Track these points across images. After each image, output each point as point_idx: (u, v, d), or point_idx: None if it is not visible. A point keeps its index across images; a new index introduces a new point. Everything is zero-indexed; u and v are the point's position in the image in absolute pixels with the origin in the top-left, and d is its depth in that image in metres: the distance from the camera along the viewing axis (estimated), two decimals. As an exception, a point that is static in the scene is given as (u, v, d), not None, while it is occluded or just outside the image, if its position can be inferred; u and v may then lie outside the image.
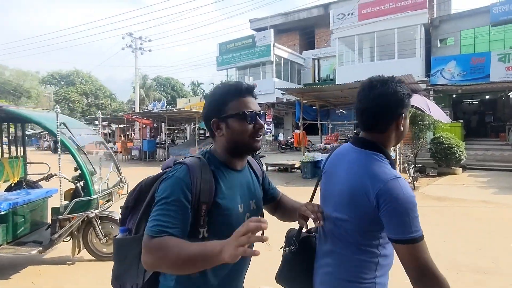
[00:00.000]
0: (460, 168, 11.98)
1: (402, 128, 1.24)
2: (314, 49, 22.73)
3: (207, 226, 1.10)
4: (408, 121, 1.27)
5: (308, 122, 12.35)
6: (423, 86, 14.51)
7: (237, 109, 1.14)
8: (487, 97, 22.00)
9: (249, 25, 24.27)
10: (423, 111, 9.22)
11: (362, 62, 17.80)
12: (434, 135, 12.25)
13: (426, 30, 17.60)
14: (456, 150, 11.41)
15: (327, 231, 1.27)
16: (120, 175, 4.26)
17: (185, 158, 1.18)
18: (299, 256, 1.36)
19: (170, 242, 0.98)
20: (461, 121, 16.30)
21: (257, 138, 1.18)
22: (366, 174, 1.13)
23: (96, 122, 26.96)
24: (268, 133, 21.35)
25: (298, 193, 9.35)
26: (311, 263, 1.35)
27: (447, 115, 16.34)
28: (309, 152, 10.98)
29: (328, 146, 10.86)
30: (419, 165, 12.94)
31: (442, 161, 11.79)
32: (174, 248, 0.96)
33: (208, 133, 1.40)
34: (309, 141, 17.28)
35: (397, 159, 11.40)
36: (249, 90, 1.20)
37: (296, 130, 13.24)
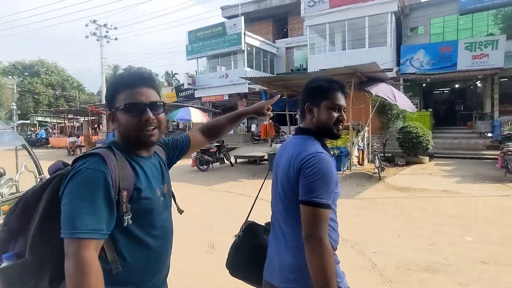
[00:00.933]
0: (427, 157, 12.02)
1: (314, 115, 1.40)
2: (288, 37, 22.31)
3: (130, 213, 1.06)
4: (326, 112, 1.38)
5: (276, 112, 12.02)
6: (391, 74, 14.46)
7: (122, 101, 1.11)
8: (456, 86, 22.37)
9: (220, 13, 23.53)
10: (388, 100, 9.05)
11: (334, 51, 17.58)
12: (403, 124, 12.20)
13: (397, 18, 17.50)
14: (423, 139, 11.40)
15: (276, 214, 1.41)
16: (40, 174, 3.75)
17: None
18: (244, 242, 1.55)
19: (94, 270, 0.93)
20: (430, 110, 16.43)
21: (147, 132, 1.13)
22: (296, 152, 1.31)
23: (63, 115, 25.71)
24: (241, 125, 20.95)
25: (264, 186, 8.96)
26: (256, 250, 1.51)
27: (416, 104, 16.45)
28: (277, 143, 10.68)
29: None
30: (388, 154, 12.93)
31: (410, 150, 11.77)
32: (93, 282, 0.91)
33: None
34: (283, 131, 17.04)
35: (365, 149, 11.29)
36: (139, 80, 1.14)
37: (264, 121, 12.93)
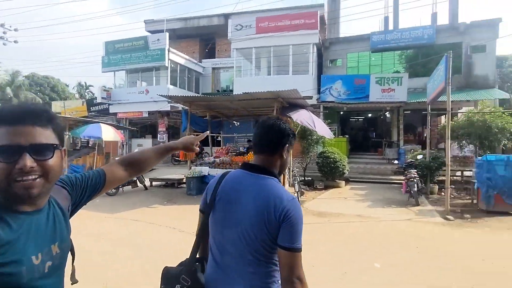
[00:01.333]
0: (344, 181, 12.55)
1: (285, 157, 1.47)
2: (215, 58, 22.23)
3: None
4: (288, 157, 1.48)
5: (197, 133, 11.53)
6: (312, 101, 15.13)
7: None
8: (369, 115, 24.58)
9: (143, 26, 22.56)
10: (308, 127, 9.21)
11: (259, 75, 17.90)
12: (323, 149, 12.63)
13: (318, 50, 18.67)
14: (340, 164, 11.90)
15: (235, 256, 1.36)
16: None
17: None
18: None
19: None
20: (347, 136, 17.49)
21: (22, 183, 0.87)
22: (274, 197, 1.32)
23: None
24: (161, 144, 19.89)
25: (178, 212, 8.36)
26: None
27: (334, 131, 17.44)
28: (197, 165, 10.09)
29: (217, 160, 10.12)
30: (308, 178, 13.22)
31: (328, 174, 12.17)
32: None
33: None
34: (206, 152, 16.48)
35: (286, 173, 11.29)
36: (20, 116, 0.89)
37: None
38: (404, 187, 9.04)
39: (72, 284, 1.15)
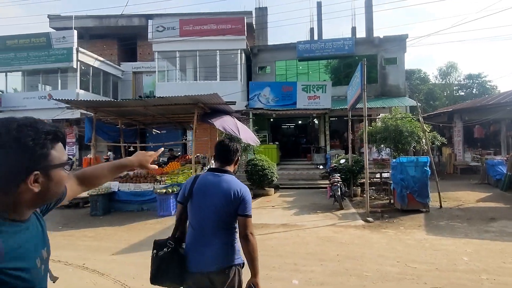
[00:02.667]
0: (273, 189, 12.43)
1: (237, 164, 2.42)
2: (137, 61, 20.89)
3: None
4: (238, 163, 2.51)
5: (109, 144, 10.45)
6: (240, 108, 14.91)
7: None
8: (299, 122, 25.32)
9: (48, 22, 20.24)
10: (232, 133, 8.85)
11: (185, 80, 17.21)
12: (251, 157, 12.38)
13: (247, 56, 18.65)
14: (268, 172, 11.75)
15: (210, 225, 2.10)
16: None
17: None
18: (177, 252, 2.10)
19: None
20: (277, 143, 17.64)
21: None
22: (235, 185, 2.13)
23: None
24: (71, 157, 17.94)
25: (74, 238, 6.68)
26: (182, 258, 2.11)
27: (264, 138, 17.45)
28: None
29: (130, 173, 9.13)
30: (239, 187, 12.86)
31: (257, 182, 11.93)
32: None
33: None
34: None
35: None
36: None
37: (88, 154, 10.99)
38: (328, 192, 9.14)
39: (53, 282, 1.18)
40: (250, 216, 2.11)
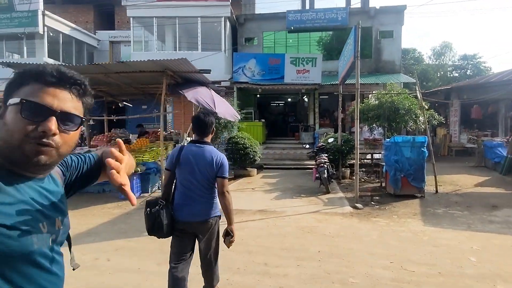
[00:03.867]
0: (256, 169, 11.48)
1: (212, 134, 2.84)
2: (114, 30, 19.25)
3: None
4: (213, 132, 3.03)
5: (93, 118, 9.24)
6: (224, 82, 13.69)
7: (21, 95, 0.81)
8: (289, 99, 24.19)
9: None
10: (206, 107, 7.73)
11: (164, 50, 15.81)
12: (231, 134, 11.32)
13: (232, 26, 17.22)
14: (250, 151, 10.75)
15: (197, 185, 2.61)
16: None
17: None
18: (167, 208, 2.60)
19: None
20: (263, 120, 16.57)
21: (32, 146, 0.80)
22: (215, 154, 2.65)
23: None
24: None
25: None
26: (171, 212, 2.64)
27: (250, 115, 16.35)
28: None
29: (94, 150, 8.02)
30: (219, 166, 11.87)
31: (238, 162, 10.95)
32: None
33: None
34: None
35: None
36: (60, 78, 0.86)
37: None
38: (314, 174, 8.21)
39: (73, 269, 1.07)
40: (227, 178, 2.68)
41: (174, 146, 9.33)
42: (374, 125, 10.74)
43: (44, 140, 0.80)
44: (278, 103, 26.25)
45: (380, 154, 10.85)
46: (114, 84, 8.41)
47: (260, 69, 14.46)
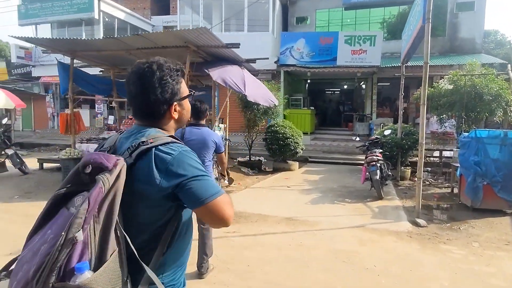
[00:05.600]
0: (297, 163, 10.08)
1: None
2: (169, 15, 18.86)
3: None
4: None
5: (102, 99, 8.69)
6: (268, 65, 12.30)
7: (186, 90, 1.24)
8: (345, 86, 22.04)
9: None
10: (234, 88, 6.53)
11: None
12: (272, 122, 10.01)
13: (283, 5, 15.69)
14: (291, 142, 9.36)
15: (201, 158, 3.22)
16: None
17: (148, 143, 1.05)
18: None
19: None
20: (312, 108, 14.95)
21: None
22: (211, 134, 3.28)
23: None
24: (99, 115, 16.83)
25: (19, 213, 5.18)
26: None
27: (299, 102, 14.82)
28: (83, 143, 7.31)
29: (114, 134, 7.34)
30: (257, 158, 10.70)
31: (277, 154, 9.65)
32: None
33: None
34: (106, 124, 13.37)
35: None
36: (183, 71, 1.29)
37: (66, 109, 9.39)
38: (363, 174, 6.60)
39: None
40: (223, 152, 3.44)
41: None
42: (444, 115, 8.61)
43: None
44: (333, 91, 24.15)
45: (452, 152, 8.74)
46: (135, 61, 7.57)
47: (310, 50, 12.83)
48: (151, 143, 1.03)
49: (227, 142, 8.80)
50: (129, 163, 1.00)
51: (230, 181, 7.64)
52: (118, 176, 0.95)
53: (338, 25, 15.78)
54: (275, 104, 7.84)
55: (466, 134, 6.20)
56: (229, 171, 7.98)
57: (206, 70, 6.62)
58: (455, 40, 13.88)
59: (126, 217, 1.00)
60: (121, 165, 0.97)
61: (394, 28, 15.08)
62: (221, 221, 1.07)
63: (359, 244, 4.19)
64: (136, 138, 1.08)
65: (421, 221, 4.97)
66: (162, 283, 1.03)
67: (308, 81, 16.76)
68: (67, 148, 6.82)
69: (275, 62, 13.32)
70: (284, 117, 13.90)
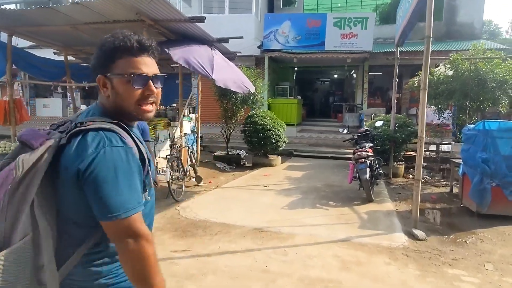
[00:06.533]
0: (279, 157, 9.11)
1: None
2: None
3: (147, 190, 1.06)
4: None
5: (53, 83, 7.53)
6: (249, 50, 11.12)
7: (123, 69, 1.02)
8: (335, 76, 21.08)
9: None
10: (199, 71, 5.48)
11: (189, 14, 13.67)
12: (251, 112, 8.97)
13: (267, -14, 14.54)
14: (272, 134, 8.36)
15: None
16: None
17: (84, 125, 0.97)
18: None
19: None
20: (299, 97, 13.94)
21: (146, 107, 1.07)
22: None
23: None
24: (71, 105, 15.58)
25: None
26: None
27: (285, 91, 13.79)
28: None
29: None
30: (235, 151, 9.70)
31: (257, 148, 8.66)
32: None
33: None
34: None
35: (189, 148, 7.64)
36: (143, 48, 1.06)
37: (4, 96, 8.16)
38: (350, 173, 5.64)
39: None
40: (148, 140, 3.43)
41: (168, 125, 7.27)
42: (441, 105, 7.68)
43: (150, 99, 1.06)
44: (323, 81, 23.17)
45: (450, 146, 7.86)
46: (85, 39, 6.42)
47: (296, 34, 11.75)
48: (88, 125, 0.96)
49: (196, 136, 7.77)
50: (62, 143, 0.95)
51: (198, 179, 6.65)
52: (41, 157, 0.92)
53: (327, 10, 14.72)
54: (250, 91, 6.76)
55: (471, 126, 5.27)
56: (196, 168, 7.01)
57: (166, 50, 5.52)
58: (453, 25, 12.95)
59: (58, 202, 0.97)
60: (47, 145, 0.94)
61: (387, 12, 14.07)
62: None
63: (341, 268, 3.23)
64: (81, 117, 1.05)
65: (419, 233, 4.04)
66: (101, 272, 0.98)
67: (296, 68, 15.71)
68: (2, 142, 5.72)
69: (259, 47, 12.22)
70: (269, 107, 12.91)
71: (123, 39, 1.01)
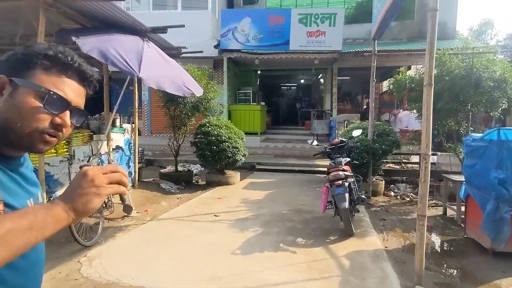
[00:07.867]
0: (239, 173, 7.66)
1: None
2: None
3: None
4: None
5: None
6: (205, 51, 9.62)
7: (43, 82, 0.77)
8: (302, 81, 20.13)
9: None
10: (120, 67, 3.92)
11: (137, 9, 12.01)
12: (203, 121, 7.45)
13: (227, -19, 13.20)
14: (228, 146, 6.90)
15: None
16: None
17: None
18: None
19: None
20: (263, 103, 12.63)
21: (46, 138, 0.79)
22: None
23: None
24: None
25: None
26: None
27: (248, 97, 12.44)
28: None
29: None
30: (188, 166, 8.13)
31: (210, 162, 7.15)
32: None
33: None
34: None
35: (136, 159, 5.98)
36: (81, 74, 0.83)
37: None
38: (323, 199, 4.27)
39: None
40: None
41: (91, 138, 5.57)
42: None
43: (55, 131, 0.80)
44: (289, 86, 22.18)
45: (436, 157, 6.79)
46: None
47: (257, 32, 10.44)
48: None
49: (133, 150, 6.14)
50: None
51: (127, 209, 5.00)
52: None
53: (292, 6, 13.58)
54: (194, 95, 5.26)
55: (476, 135, 4.10)
56: (124, 197, 5.38)
57: (73, 38, 3.90)
58: (425, 24, 12.22)
59: None
60: None
61: (357, 12, 13.17)
62: None
63: None
64: None
65: (427, 296, 2.72)
66: None
67: (259, 72, 14.43)
68: None
69: (215, 47, 10.78)
70: (229, 114, 11.50)
71: (63, 52, 0.80)
